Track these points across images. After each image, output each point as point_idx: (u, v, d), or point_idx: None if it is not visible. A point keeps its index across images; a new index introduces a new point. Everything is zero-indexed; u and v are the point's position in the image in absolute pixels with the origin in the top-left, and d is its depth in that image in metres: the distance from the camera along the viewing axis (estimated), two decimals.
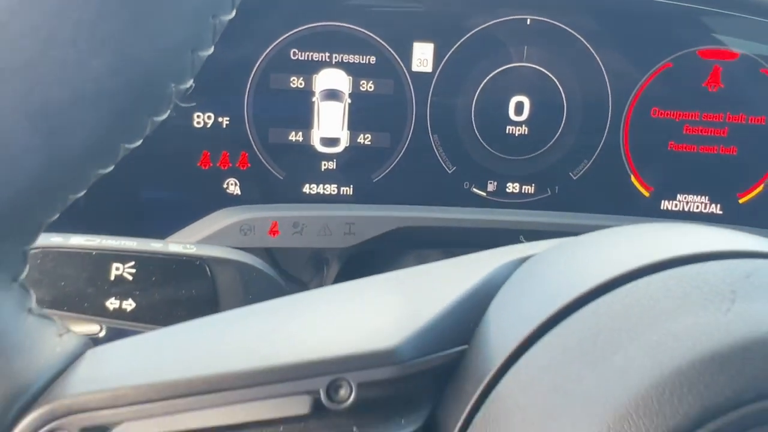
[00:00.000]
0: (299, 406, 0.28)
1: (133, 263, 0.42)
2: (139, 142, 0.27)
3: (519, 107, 0.73)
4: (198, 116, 0.69)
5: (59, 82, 0.24)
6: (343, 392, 0.28)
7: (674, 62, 0.73)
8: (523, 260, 0.36)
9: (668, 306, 0.27)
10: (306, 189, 0.73)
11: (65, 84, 0.24)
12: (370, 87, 0.72)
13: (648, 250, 0.31)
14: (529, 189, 0.76)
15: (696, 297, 0.27)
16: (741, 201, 0.76)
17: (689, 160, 0.75)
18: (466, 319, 0.32)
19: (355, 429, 0.28)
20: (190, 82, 0.27)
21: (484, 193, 0.76)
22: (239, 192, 0.72)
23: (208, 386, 0.26)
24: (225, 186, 0.72)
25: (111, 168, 0.27)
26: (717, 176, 0.75)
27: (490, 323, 0.32)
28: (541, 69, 0.73)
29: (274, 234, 0.71)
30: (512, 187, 0.76)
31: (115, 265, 0.42)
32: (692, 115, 0.74)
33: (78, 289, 0.41)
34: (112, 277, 0.42)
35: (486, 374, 0.29)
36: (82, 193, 0.27)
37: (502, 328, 0.31)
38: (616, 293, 0.29)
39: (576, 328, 0.28)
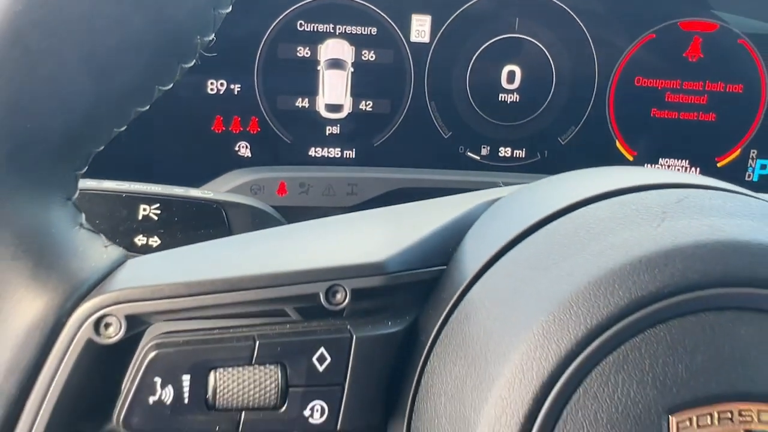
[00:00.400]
0: (302, 306, 0.33)
1: (158, 205, 0.48)
2: (171, 86, 0.32)
3: (511, 76, 0.78)
4: (211, 83, 0.75)
5: (107, 32, 0.29)
6: (339, 296, 0.33)
7: (657, 33, 0.78)
8: (498, 199, 0.41)
9: (610, 224, 0.33)
10: (312, 152, 0.79)
11: (112, 34, 0.29)
12: (372, 57, 0.77)
13: (598, 184, 0.36)
14: (520, 153, 0.81)
15: (634, 217, 0.33)
16: (719, 165, 0.81)
17: (670, 126, 0.80)
18: (446, 244, 0.37)
19: (349, 327, 0.33)
20: (212, 36, 0.32)
21: (477, 157, 0.81)
22: (250, 154, 0.78)
23: (228, 286, 0.32)
24: (237, 149, 0.78)
25: (147, 107, 0.32)
26: (696, 141, 0.80)
27: (466, 247, 0.37)
28: (531, 40, 0.77)
29: (282, 193, 0.77)
30: (504, 152, 0.81)
31: (142, 206, 0.47)
32: (674, 84, 0.79)
33: (110, 226, 0.46)
34: (140, 217, 0.47)
35: (460, 285, 0.34)
36: (124, 128, 0.32)
37: (476, 250, 0.36)
38: (569, 216, 0.34)
39: (534, 245, 0.34)
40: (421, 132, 0.79)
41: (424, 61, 0.77)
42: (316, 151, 0.79)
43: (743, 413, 0.29)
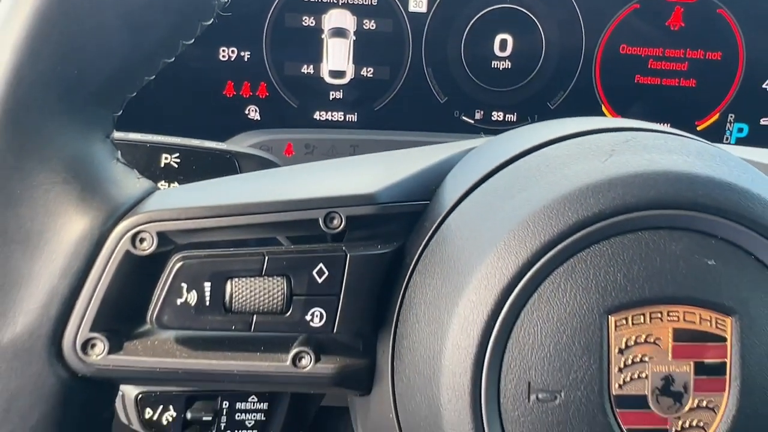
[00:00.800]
0: (303, 230, 0.39)
1: (178, 154, 0.53)
2: (192, 40, 0.38)
3: (503, 44, 0.83)
4: (223, 51, 0.80)
5: None
6: (335, 222, 0.39)
7: (641, 3, 0.82)
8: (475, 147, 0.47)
9: (566, 160, 0.38)
10: (316, 115, 0.84)
11: None
12: (372, 26, 0.82)
13: (558, 130, 0.41)
14: (511, 117, 0.86)
15: (586, 153, 0.38)
16: (699, 128, 0.86)
17: (653, 92, 0.85)
18: (430, 182, 0.43)
19: (344, 248, 0.39)
20: None
21: (472, 121, 0.86)
22: (259, 117, 0.83)
23: (242, 210, 0.37)
24: (246, 112, 0.83)
25: (172, 59, 0.38)
26: (678, 106, 0.85)
27: (446, 185, 0.43)
28: (522, 10, 0.82)
29: (288, 154, 0.82)
30: (497, 116, 0.86)
31: (164, 155, 0.53)
32: (656, 52, 0.83)
33: None
34: (162, 165, 0.53)
35: (440, 215, 0.40)
36: (153, 77, 0.38)
37: (454, 187, 0.42)
38: (533, 155, 0.40)
39: (501, 179, 0.39)
40: (419, 97, 0.84)
41: (422, 30, 0.82)
42: (320, 115, 0.84)
43: (671, 314, 0.34)
